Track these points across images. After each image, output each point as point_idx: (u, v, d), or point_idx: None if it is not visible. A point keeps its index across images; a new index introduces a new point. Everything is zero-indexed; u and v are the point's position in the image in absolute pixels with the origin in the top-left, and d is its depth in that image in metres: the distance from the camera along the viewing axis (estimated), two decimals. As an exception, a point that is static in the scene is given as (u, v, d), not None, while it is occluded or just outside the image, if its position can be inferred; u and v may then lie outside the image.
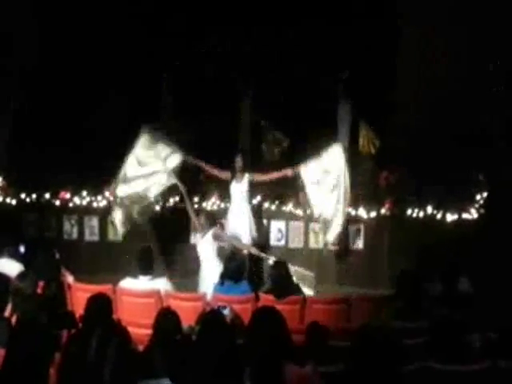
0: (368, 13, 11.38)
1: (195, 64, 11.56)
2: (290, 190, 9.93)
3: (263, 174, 8.93)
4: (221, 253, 7.99)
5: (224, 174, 8.95)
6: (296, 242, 9.87)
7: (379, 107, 11.24)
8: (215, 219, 8.43)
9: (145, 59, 11.34)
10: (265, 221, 9.81)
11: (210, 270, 7.85)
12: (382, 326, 5.28)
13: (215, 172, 9.00)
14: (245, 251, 8.40)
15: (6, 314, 5.11)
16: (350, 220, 9.71)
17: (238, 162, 8.80)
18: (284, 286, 6.86)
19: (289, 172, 8.71)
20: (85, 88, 10.97)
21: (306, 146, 10.04)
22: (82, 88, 10.97)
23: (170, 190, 9.78)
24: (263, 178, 8.91)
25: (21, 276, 5.55)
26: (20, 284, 5.32)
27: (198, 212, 8.81)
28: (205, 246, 8.06)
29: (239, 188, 8.86)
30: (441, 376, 4.44)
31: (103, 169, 9.57)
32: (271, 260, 8.09)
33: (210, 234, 8.04)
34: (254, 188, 9.07)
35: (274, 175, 8.89)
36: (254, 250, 8.41)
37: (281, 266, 7.13)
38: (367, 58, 11.33)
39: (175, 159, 8.62)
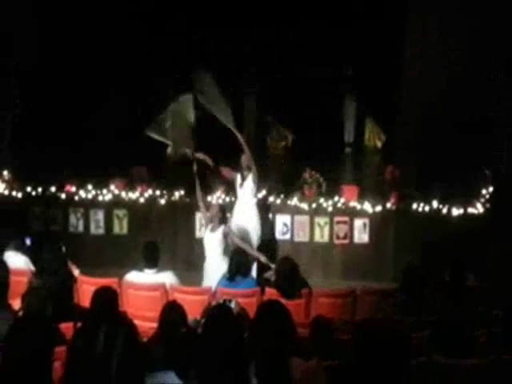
0: (368, 10, 11.39)
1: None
2: (295, 184, 9.97)
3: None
4: (227, 249, 7.95)
5: (231, 175, 8.82)
6: (301, 236, 9.85)
7: (385, 103, 11.24)
8: (225, 213, 8.36)
9: (145, 59, 11.35)
10: (270, 215, 9.79)
11: (215, 264, 7.85)
12: (386, 320, 5.31)
13: (225, 174, 8.85)
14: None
15: (16, 307, 5.14)
16: (355, 214, 9.74)
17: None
18: (290, 282, 6.85)
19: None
20: (85, 88, 10.99)
21: (311, 141, 10.08)
22: (81, 88, 10.98)
23: (176, 184, 9.86)
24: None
25: (38, 273, 5.61)
26: (36, 281, 5.37)
27: (209, 203, 8.80)
28: (213, 239, 8.04)
29: (245, 185, 8.76)
30: (445, 370, 4.44)
31: (104, 167, 9.62)
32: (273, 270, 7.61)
33: (220, 230, 7.99)
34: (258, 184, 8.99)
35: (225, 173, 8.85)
36: (263, 259, 8.05)
37: (287, 262, 7.12)
38: (369, 55, 11.34)
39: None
